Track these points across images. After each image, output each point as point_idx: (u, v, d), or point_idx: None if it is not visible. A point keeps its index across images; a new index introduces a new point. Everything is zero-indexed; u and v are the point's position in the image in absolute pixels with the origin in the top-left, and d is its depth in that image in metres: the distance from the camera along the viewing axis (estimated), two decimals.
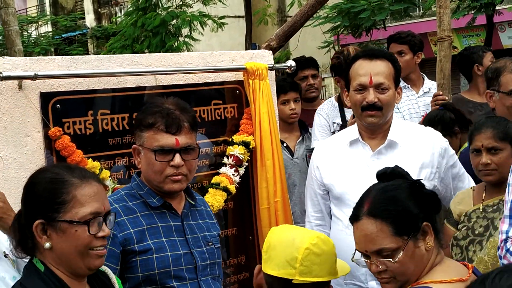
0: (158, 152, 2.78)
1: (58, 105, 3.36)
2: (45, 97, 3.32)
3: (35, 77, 3.22)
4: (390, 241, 2.26)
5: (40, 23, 28.08)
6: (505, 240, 2.78)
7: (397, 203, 2.34)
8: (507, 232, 2.82)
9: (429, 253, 2.32)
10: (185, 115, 2.88)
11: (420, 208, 2.35)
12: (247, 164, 3.96)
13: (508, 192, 2.83)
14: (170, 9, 15.37)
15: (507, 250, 2.70)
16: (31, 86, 3.29)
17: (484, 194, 3.46)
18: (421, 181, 3.43)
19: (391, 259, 2.25)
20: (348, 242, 2.89)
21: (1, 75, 3.13)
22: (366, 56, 3.58)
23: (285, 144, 4.82)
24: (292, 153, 4.85)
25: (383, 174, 2.51)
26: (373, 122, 3.50)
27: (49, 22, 28.02)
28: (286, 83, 4.99)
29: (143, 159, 2.85)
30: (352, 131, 3.67)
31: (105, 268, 2.46)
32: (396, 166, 2.54)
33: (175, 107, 2.87)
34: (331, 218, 3.72)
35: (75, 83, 3.47)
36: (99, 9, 32.11)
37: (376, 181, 3.44)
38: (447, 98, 4.87)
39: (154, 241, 2.81)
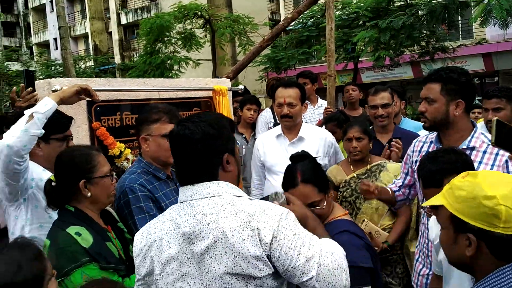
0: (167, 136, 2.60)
1: (98, 108, 3.24)
2: (90, 103, 3.19)
3: None
4: (318, 197, 2.24)
5: (86, 60, 27.66)
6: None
7: (318, 173, 2.32)
8: None
9: (331, 200, 2.34)
10: (178, 113, 2.74)
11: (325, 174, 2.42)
12: None
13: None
14: (166, 53, 15.20)
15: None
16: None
17: (351, 167, 3.44)
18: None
19: (320, 207, 2.24)
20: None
21: (58, 88, 2.91)
22: (283, 85, 3.61)
23: (244, 136, 4.80)
24: (247, 142, 4.81)
25: (296, 157, 2.39)
26: (287, 125, 3.58)
27: (91, 59, 27.54)
28: (254, 99, 5.01)
29: (152, 144, 2.54)
30: (278, 128, 3.69)
31: (108, 208, 2.37)
32: (303, 151, 2.46)
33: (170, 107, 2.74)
34: (265, 179, 3.73)
35: (108, 95, 3.34)
36: (123, 52, 31.70)
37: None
38: (333, 110, 4.91)
39: (169, 201, 2.51)
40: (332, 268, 1.58)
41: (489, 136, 2.46)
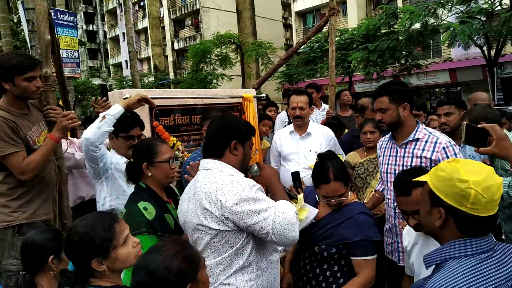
0: None
1: (157, 111, 3.23)
2: (150, 108, 3.18)
3: None
4: (344, 190, 2.11)
5: (148, 76, 27.87)
6: None
7: (344, 171, 2.15)
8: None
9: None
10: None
11: (347, 171, 2.21)
12: None
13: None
14: (207, 71, 15.27)
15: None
16: None
17: (365, 153, 3.46)
18: (321, 151, 3.38)
19: (346, 198, 2.13)
20: (288, 177, 2.84)
21: (128, 96, 2.97)
22: (296, 93, 3.54)
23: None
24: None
25: (326, 155, 2.20)
26: (298, 124, 3.49)
27: (152, 76, 27.72)
28: (273, 103, 4.99)
29: None
30: (291, 126, 3.62)
31: (171, 185, 2.35)
32: (329, 150, 2.28)
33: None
34: (280, 165, 3.60)
35: (165, 102, 3.32)
36: (176, 70, 31.86)
37: (302, 152, 3.40)
38: (333, 113, 4.80)
39: None
40: (284, 224, 1.62)
41: (431, 130, 2.46)
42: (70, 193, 2.87)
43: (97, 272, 1.43)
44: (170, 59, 32.96)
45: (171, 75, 30.84)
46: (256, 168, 1.93)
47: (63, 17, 6.13)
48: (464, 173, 1.21)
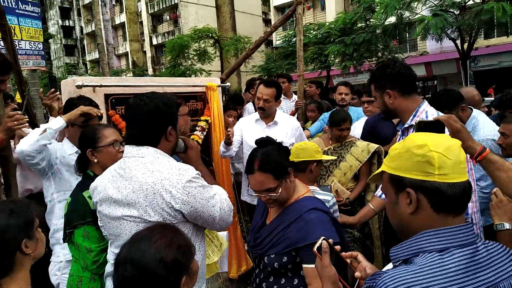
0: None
1: (113, 100, 3.11)
2: (107, 96, 3.07)
3: (100, 86, 2.97)
4: (273, 183, 1.76)
5: (126, 72, 27.44)
6: None
7: (277, 161, 1.80)
8: None
9: (293, 182, 1.87)
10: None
11: (286, 160, 1.84)
12: (207, 129, 3.71)
13: None
14: (186, 66, 15.09)
15: None
16: (100, 90, 3.02)
17: (330, 142, 3.42)
18: (286, 140, 3.37)
19: (275, 193, 1.78)
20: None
21: (80, 84, 2.87)
22: (264, 84, 3.48)
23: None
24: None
25: (260, 142, 1.89)
26: (261, 114, 3.49)
27: (130, 72, 27.32)
28: (234, 108, 4.86)
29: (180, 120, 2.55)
30: (257, 114, 3.58)
31: None
32: (267, 136, 1.92)
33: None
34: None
35: (122, 90, 3.19)
36: (154, 66, 31.50)
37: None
38: (302, 103, 4.77)
39: None
40: (228, 210, 1.62)
41: (435, 111, 2.11)
42: (18, 184, 2.75)
43: (18, 263, 1.29)
44: (149, 54, 32.55)
45: (150, 71, 30.44)
46: (183, 145, 1.80)
47: (25, 7, 5.90)
48: (419, 139, 1.07)
